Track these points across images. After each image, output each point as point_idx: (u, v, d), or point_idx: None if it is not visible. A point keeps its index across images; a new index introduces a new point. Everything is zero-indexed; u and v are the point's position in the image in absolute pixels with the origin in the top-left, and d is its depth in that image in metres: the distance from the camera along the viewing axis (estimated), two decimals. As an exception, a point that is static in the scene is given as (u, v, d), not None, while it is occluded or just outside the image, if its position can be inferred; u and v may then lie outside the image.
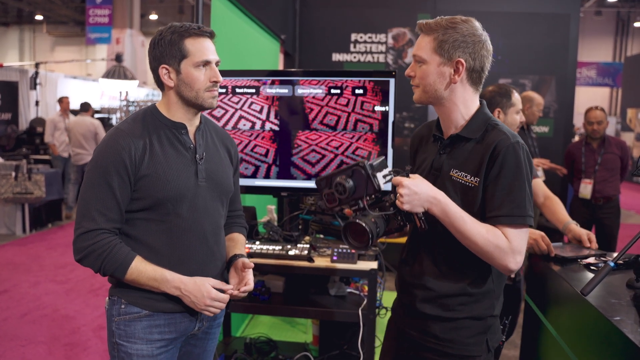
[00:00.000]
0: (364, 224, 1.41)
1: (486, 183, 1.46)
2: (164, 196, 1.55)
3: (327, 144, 2.62)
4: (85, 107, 7.77)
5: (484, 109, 1.55)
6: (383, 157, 1.53)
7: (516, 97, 2.63)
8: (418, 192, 1.40)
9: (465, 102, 1.52)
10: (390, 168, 1.53)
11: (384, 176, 1.48)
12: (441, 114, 1.57)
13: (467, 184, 1.48)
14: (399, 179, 1.42)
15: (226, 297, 1.62)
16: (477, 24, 1.50)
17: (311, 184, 2.65)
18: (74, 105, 9.03)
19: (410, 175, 1.45)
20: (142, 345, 1.59)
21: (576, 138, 5.38)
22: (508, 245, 1.42)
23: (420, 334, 1.59)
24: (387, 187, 1.50)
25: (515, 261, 1.43)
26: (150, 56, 1.60)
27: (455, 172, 1.51)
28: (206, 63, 1.57)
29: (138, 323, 1.59)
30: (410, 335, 1.62)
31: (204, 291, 1.57)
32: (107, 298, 1.65)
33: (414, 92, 1.55)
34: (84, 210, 1.51)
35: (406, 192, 1.40)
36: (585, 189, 4.42)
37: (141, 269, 1.53)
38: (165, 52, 1.55)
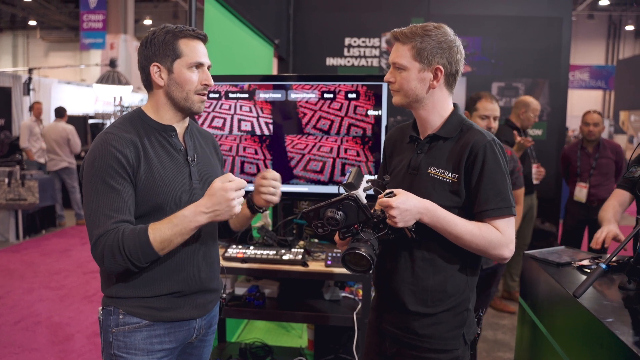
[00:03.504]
0: (362, 252, 1.44)
1: (469, 181, 1.53)
2: (163, 201, 1.52)
3: (319, 149, 2.63)
4: (60, 113, 7.73)
5: (457, 111, 1.64)
6: (357, 168, 1.59)
7: (483, 105, 2.93)
8: (408, 208, 1.45)
9: (443, 105, 1.61)
10: (367, 177, 1.59)
11: (365, 189, 1.53)
12: (419, 116, 1.63)
13: (445, 179, 1.55)
14: (386, 201, 1.44)
15: (241, 181, 1.46)
16: (449, 30, 1.58)
17: (305, 189, 2.66)
18: (68, 111, 8.96)
19: (395, 191, 1.47)
20: (143, 356, 1.54)
21: (573, 140, 5.41)
22: (501, 237, 1.51)
23: (401, 331, 1.64)
24: (370, 192, 1.56)
25: (509, 249, 1.53)
26: (140, 55, 1.57)
27: (433, 170, 1.57)
28: (199, 65, 1.56)
29: (138, 333, 1.54)
30: (391, 332, 1.67)
31: (222, 192, 1.42)
32: (101, 308, 1.60)
33: (393, 96, 1.63)
34: (93, 219, 1.44)
35: (397, 213, 1.44)
36: (581, 192, 4.46)
37: (160, 232, 1.42)
38: (158, 51, 1.53)
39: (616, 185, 2.46)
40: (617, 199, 2.42)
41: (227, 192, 1.42)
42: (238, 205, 1.46)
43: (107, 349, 1.56)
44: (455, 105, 1.64)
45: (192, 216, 1.44)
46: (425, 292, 1.58)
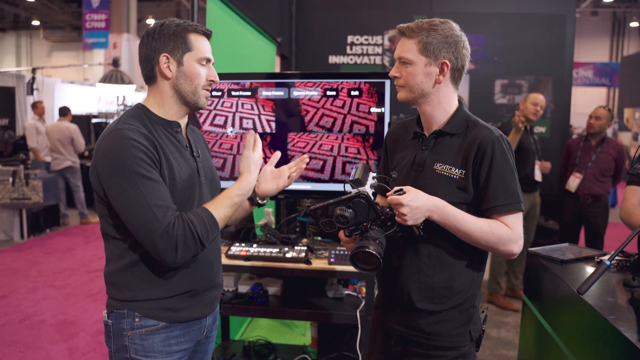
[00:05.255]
0: (372, 251, 1.43)
1: (477, 177, 1.52)
2: (181, 198, 1.49)
3: (319, 147, 2.62)
4: (64, 112, 7.75)
5: (463, 107, 1.62)
6: (363, 163, 1.57)
7: None
8: (419, 206, 1.44)
9: (448, 101, 1.59)
10: (373, 173, 1.57)
11: (371, 186, 1.51)
12: (424, 112, 1.62)
13: (452, 176, 1.54)
14: (396, 199, 1.43)
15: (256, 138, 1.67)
16: (455, 25, 1.56)
17: (308, 186, 2.65)
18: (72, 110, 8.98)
19: (404, 189, 1.46)
20: (163, 358, 1.53)
21: (574, 137, 5.40)
22: (510, 233, 1.50)
23: (407, 329, 1.62)
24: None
25: (518, 245, 1.52)
26: (146, 46, 1.52)
27: (439, 166, 1.56)
28: (207, 61, 1.57)
29: (156, 336, 1.52)
30: (396, 330, 1.65)
31: (259, 160, 1.63)
32: (109, 312, 1.55)
33: (398, 92, 1.61)
34: (146, 214, 1.38)
35: (408, 211, 1.42)
36: (573, 182, 4.46)
37: (223, 211, 1.51)
38: (169, 42, 1.51)
39: (626, 183, 2.43)
40: (636, 196, 2.38)
41: (262, 157, 1.64)
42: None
43: (122, 353, 1.53)
44: (460, 101, 1.62)
45: (247, 192, 1.59)
46: (432, 289, 1.57)
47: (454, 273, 1.57)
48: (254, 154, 1.60)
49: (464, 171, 1.52)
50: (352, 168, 1.55)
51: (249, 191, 1.58)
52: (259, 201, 1.78)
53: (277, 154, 1.79)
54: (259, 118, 2.67)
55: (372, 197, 1.49)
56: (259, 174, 1.75)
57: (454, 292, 1.57)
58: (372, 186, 1.52)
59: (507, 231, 1.50)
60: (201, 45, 1.55)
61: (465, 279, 1.58)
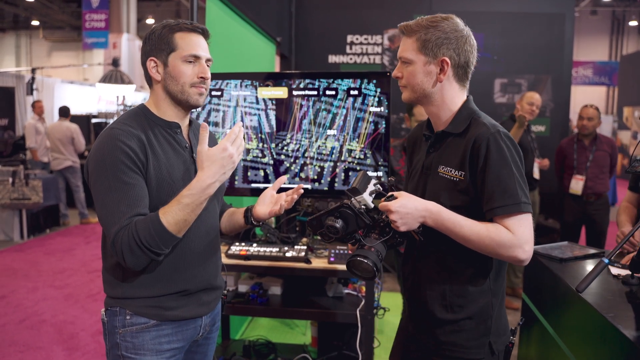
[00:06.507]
0: (365, 260, 1.41)
1: (474, 178, 1.44)
2: (171, 198, 1.47)
3: (320, 147, 2.62)
4: (64, 112, 7.75)
5: (469, 103, 1.53)
6: (363, 171, 1.55)
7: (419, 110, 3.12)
8: (409, 211, 1.39)
9: (453, 99, 1.52)
10: (374, 180, 1.55)
11: (371, 193, 1.50)
12: (430, 113, 1.56)
13: (453, 178, 1.47)
14: (386, 205, 1.39)
15: (234, 130, 1.46)
16: (458, 20, 1.50)
17: (307, 185, 2.65)
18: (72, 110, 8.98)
19: (395, 194, 1.42)
20: (153, 356, 1.53)
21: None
22: (512, 237, 1.38)
23: (425, 337, 1.58)
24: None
25: (524, 250, 1.39)
26: (141, 52, 1.58)
27: (442, 168, 1.50)
28: (195, 58, 1.54)
29: (146, 334, 1.53)
30: (415, 337, 1.62)
31: (222, 153, 1.42)
32: (104, 310, 1.58)
33: (402, 92, 1.56)
34: (108, 217, 1.41)
35: (398, 217, 1.38)
36: (577, 184, 4.47)
37: (172, 214, 1.40)
38: (155, 46, 1.53)
39: (628, 187, 2.52)
40: (629, 199, 2.46)
41: (227, 151, 1.42)
42: (239, 155, 1.46)
43: (114, 350, 1.55)
44: (468, 97, 1.55)
45: (200, 192, 1.41)
46: (444, 297, 1.51)
47: (466, 280, 1.49)
48: (212, 148, 1.44)
49: (462, 172, 1.45)
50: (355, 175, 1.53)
51: (202, 190, 1.41)
52: (253, 222, 1.74)
53: (282, 179, 1.73)
54: (259, 117, 2.67)
55: (372, 205, 1.47)
56: (260, 195, 1.74)
57: (468, 301, 1.49)
58: (371, 193, 1.50)
59: (507, 236, 1.38)
60: (186, 43, 1.53)
61: (479, 287, 1.50)
